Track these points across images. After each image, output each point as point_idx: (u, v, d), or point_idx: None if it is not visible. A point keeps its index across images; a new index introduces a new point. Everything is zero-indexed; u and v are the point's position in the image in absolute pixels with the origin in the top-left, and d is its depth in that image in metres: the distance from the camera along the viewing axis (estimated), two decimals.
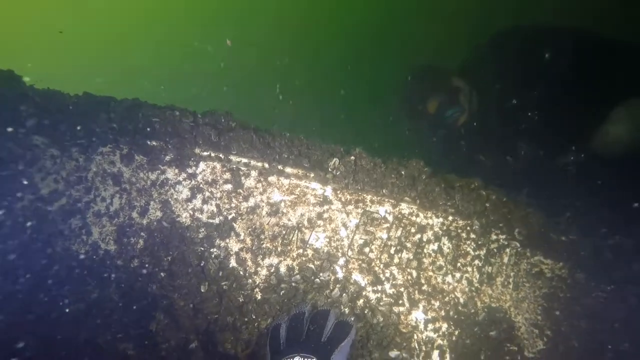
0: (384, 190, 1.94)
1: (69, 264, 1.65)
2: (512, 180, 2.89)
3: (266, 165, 1.84)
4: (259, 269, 1.80)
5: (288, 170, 1.86)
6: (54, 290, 1.63)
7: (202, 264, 1.72)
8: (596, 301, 2.14)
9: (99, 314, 1.65)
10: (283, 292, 1.74)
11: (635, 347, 2.07)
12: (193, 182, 1.82)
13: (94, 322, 1.64)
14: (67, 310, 1.63)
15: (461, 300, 2.00)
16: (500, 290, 2.09)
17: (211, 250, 1.76)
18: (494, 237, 2.13)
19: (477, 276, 2.07)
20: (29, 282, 1.61)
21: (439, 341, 1.90)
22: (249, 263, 1.80)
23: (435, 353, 1.88)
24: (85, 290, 1.64)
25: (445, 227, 2.06)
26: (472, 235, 2.10)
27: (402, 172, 2.02)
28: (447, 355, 1.89)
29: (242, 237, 1.81)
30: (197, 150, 1.81)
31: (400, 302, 1.90)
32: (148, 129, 1.76)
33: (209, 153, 1.81)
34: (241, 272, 1.77)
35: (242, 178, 1.85)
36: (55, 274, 1.64)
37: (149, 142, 1.76)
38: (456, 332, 1.93)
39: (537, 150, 2.99)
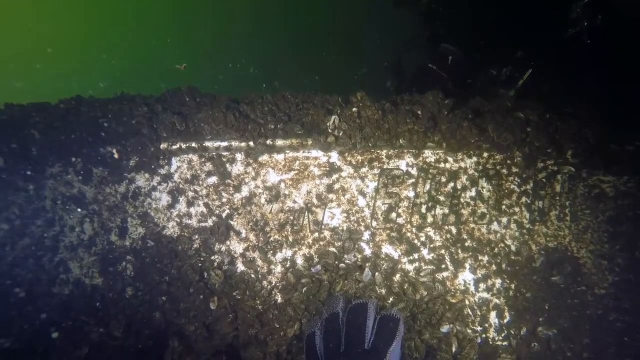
0: (400, 141, 1.58)
1: (55, 309, 1.42)
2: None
3: (251, 144, 1.49)
4: (272, 267, 1.54)
5: (279, 143, 1.51)
6: (49, 339, 1.42)
7: (204, 278, 1.47)
8: None
9: (105, 355, 1.44)
10: (305, 288, 1.49)
11: None
12: (170, 183, 1.51)
13: None
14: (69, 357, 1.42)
15: (513, 248, 1.72)
16: (557, 226, 1.79)
17: (211, 258, 1.50)
18: (540, 165, 1.79)
19: (527, 215, 1.76)
20: (20, 339, 1.40)
21: (495, 300, 1.65)
22: (259, 263, 1.53)
23: (492, 315, 1.64)
24: (83, 332, 1.43)
25: (481, 167, 1.72)
26: (515, 169, 1.76)
27: (419, 112, 1.64)
28: (507, 314, 1.65)
29: (244, 235, 1.53)
30: (163, 145, 1.47)
31: (443, 266, 1.63)
32: (98, 133, 1.42)
33: (178, 145, 1.47)
34: (252, 276, 1.52)
35: (227, 165, 1.52)
36: (44, 321, 1.42)
37: (102, 150, 1.43)
38: (512, 286, 1.67)
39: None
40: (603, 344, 1.65)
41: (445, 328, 1.54)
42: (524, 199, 1.76)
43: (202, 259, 1.49)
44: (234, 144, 1.50)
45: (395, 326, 1.29)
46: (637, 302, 1.73)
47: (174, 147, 1.48)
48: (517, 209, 1.75)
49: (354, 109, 1.55)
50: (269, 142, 1.50)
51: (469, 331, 1.60)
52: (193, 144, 1.48)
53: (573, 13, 2.32)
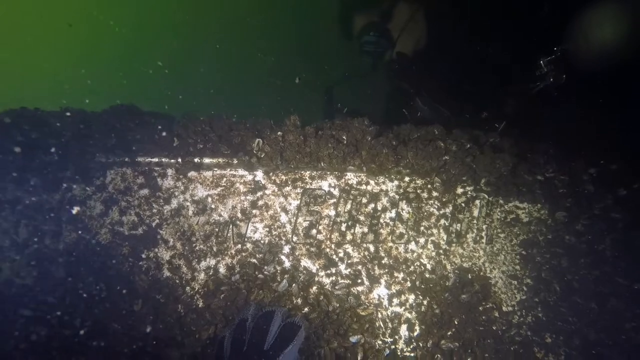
0: (321, 164, 1.73)
1: None
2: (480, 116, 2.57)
3: (180, 161, 1.64)
4: (196, 274, 1.68)
5: (206, 161, 1.66)
6: None
7: (131, 282, 1.60)
8: (578, 237, 1.98)
9: (27, 350, 1.57)
10: (224, 295, 1.63)
11: (620, 275, 1.94)
12: (104, 194, 1.64)
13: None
14: None
15: (428, 267, 1.87)
16: (472, 247, 1.94)
17: (139, 264, 1.63)
18: (460, 190, 1.95)
19: (445, 237, 1.91)
20: None
21: (407, 315, 1.80)
22: (184, 269, 1.67)
23: (403, 328, 1.79)
24: (8, 331, 1.55)
25: (402, 190, 1.88)
26: (435, 194, 1.91)
27: (344, 137, 1.79)
28: (417, 328, 1.80)
29: (171, 244, 1.67)
30: (98, 158, 1.61)
31: (359, 281, 1.78)
32: (36, 143, 1.56)
33: (112, 159, 1.61)
34: (177, 281, 1.65)
35: (158, 179, 1.67)
36: None
37: (38, 159, 1.56)
38: (425, 302, 1.82)
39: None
40: (502, 356, 1.80)
41: (354, 338, 1.69)
42: (442, 222, 1.92)
43: (130, 264, 1.63)
44: (164, 160, 1.64)
45: (295, 332, 1.44)
46: (538, 319, 1.89)
47: (109, 160, 1.62)
48: (435, 231, 1.91)
49: (279, 133, 1.70)
50: (196, 160, 1.65)
51: (379, 342, 1.75)
52: (126, 159, 1.62)
53: (538, 70, 2.50)
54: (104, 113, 1.68)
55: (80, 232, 1.63)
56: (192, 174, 1.68)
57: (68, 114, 1.65)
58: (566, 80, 2.22)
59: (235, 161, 1.67)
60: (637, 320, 1.90)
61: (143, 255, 1.65)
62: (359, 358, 1.66)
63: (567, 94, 2.24)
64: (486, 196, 1.94)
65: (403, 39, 2.85)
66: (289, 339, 1.42)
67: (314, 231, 1.77)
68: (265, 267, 1.70)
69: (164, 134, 1.63)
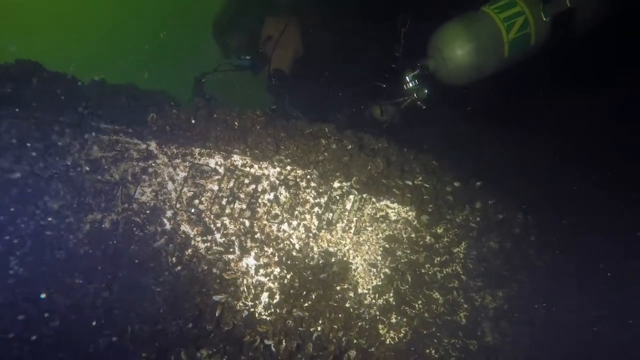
0: (209, 143, 2.01)
1: None
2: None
3: (78, 122, 1.87)
4: (81, 224, 1.92)
5: (103, 126, 1.90)
6: None
7: (16, 226, 1.82)
8: (437, 238, 2.36)
9: None
10: (103, 246, 1.88)
11: (465, 273, 2.34)
12: None
13: None
14: None
15: (297, 247, 2.19)
16: (340, 235, 2.28)
17: (27, 209, 1.85)
18: (336, 184, 2.27)
19: (316, 223, 2.23)
20: None
21: (269, 284, 2.12)
22: (71, 220, 1.91)
23: (265, 295, 2.10)
24: None
25: (282, 177, 2.18)
26: (312, 184, 2.23)
27: (236, 123, 2.07)
28: (277, 297, 2.11)
29: (61, 195, 1.90)
30: None
31: (231, 250, 2.07)
32: None
33: (8, 111, 1.82)
34: (62, 230, 1.89)
35: (54, 136, 1.89)
36: None
37: None
38: (288, 276, 2.14)
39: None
40: (349, 327, 2.16)
41: (217, 297, 1.99)
42: (316, 209, 2.24)
43: (16, 210, 1.85)
44: (63, 119, 1.87)
45: None
46: (388, 302, 2.26)
47: (3, 112, 1.83)
48: (308, 216, 2.23)
49: (174, 111, 1.96)
50: (93, 123, 1.88)
51: (241, 304, 2.06)
52: (24, 113, 1.83)
53: (405, 84, 2.80)
54: (6, 65, 1.88)
55: None
56: (88, 135, 1.92)
57: None
58: (431, 96, 2.55)
59: (130, 130, 1.92)
60: (470, 310, 2.32)
61: (31, 203, 1.88)
62: (216, 314, 1.97)
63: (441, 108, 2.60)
64: (356, 193, 2.27)
65: (277, 54, 3.05)
66: None
67: (196, 201, 2.05)
68: (147, 227, 1.97)
69: (64, 95, 1.85)
